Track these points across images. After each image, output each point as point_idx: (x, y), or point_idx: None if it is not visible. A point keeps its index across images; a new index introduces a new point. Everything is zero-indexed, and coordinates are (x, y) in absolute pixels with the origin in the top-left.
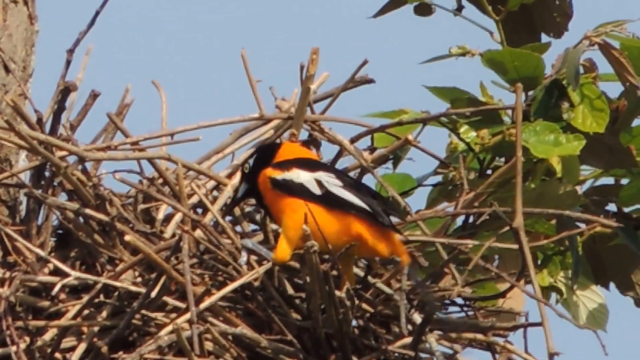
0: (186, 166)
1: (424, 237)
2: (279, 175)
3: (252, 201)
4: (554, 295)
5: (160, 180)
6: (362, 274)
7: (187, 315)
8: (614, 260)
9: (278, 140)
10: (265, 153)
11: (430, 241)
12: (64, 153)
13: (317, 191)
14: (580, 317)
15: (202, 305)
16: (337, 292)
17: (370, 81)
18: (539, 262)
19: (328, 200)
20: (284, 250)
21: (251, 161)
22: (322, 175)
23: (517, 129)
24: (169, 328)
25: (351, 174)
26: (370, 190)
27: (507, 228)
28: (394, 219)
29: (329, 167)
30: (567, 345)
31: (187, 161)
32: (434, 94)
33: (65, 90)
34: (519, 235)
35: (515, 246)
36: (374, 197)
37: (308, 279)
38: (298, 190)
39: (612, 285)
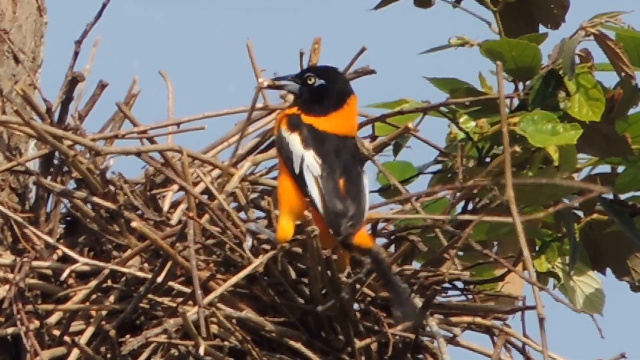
0: (192, 156)
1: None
2: (285, 130)
3: (257, 188)
4: (551, 281)
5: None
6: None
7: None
8: (611, 247)
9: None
10: (323, 92)
11: (428, 226)
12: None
13: (295, 169)
14: (577, 301)
15: (211, 295)
16: (342, 277)
17: (371, 72)
18: (537, 248)
19: (299, 182)
20: (284, 229)
21: (315, 79)
22: (309, 155)
23: (500, 104)
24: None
25: None
26: (357, 191)
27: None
28: None
29: (329, 150)
30: (565, 328)
31: (194, 151)
32: (433, 84)
33: (73, 81)
34: (510, 209)
35: (509, 219)
36: (355, 199)
37: (310, 263)
38: (285, 156)
39: (608, 270)
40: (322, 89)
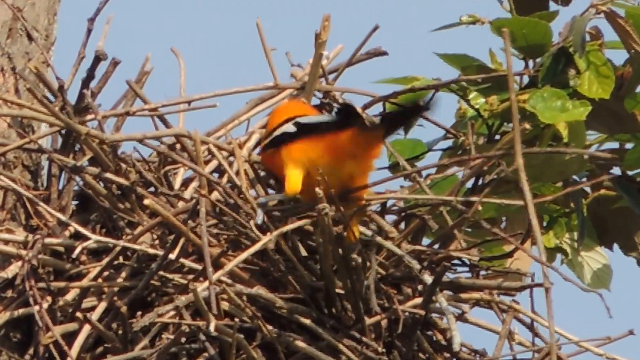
0: (203, 141)
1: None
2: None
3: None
4: (559, 256)
5: (179, 146)
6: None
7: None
8: (618, 222)
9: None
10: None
11: (437, 204)
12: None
13: (292, 129)
14: (585, 277)
15: (220, 272)
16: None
17: (383, 53)
18: (545, 224)
19: (303, 130)
20: (293, 183)
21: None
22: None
23: (509, 78)
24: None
25: None
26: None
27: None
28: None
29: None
30: (573, 306)
31: (203, 136)
32: (444, 60)
33: (96, 59)
34: (519, 177)
35: (521, 202)
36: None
37: (320, 240)
38: (280, 139)
39: (615, 246)
40: None
